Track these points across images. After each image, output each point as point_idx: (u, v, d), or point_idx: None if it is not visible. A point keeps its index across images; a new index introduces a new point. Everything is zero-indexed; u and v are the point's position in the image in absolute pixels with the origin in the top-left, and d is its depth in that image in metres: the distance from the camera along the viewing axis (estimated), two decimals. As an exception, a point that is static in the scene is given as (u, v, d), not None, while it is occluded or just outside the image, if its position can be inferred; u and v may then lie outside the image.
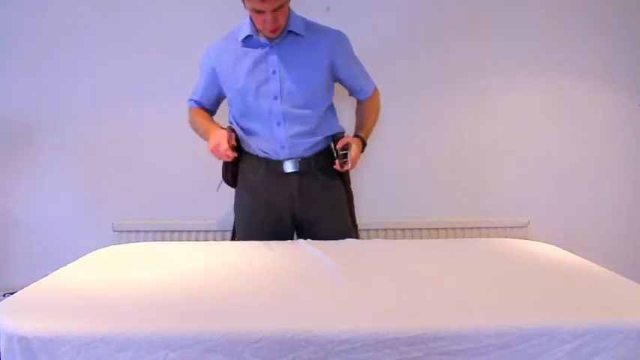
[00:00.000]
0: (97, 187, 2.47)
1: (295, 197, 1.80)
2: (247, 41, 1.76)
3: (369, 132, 1.88)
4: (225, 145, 1.67)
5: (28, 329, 0.99)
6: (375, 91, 1.94)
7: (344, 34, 1.83)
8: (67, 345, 0.98)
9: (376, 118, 1.93)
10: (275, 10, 1.62)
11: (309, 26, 1.79)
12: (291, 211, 1.82)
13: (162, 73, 2.43)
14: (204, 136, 1.81)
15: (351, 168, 1.75)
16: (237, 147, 1.80)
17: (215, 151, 1.69)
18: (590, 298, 1.19)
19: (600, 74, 2.56)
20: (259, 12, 1.62)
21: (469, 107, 2.55)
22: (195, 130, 1.91)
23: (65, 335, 0.98)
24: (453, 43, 2.51)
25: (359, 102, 1.95)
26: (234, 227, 1.93)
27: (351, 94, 1.95)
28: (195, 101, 1.92)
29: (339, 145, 1.74)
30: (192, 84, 2.39)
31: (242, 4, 1.66)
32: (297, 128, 1.77)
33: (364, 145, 1.83)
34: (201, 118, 1.88)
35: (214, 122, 1.87)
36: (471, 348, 1.00)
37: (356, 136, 1.83)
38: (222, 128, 1.78)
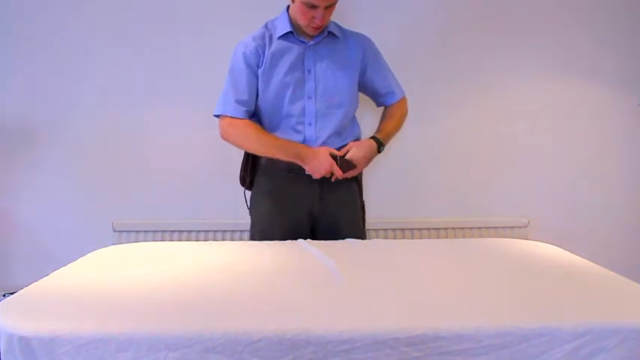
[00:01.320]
0: (97, 187, 2.47)
1: (316, 199, 1.81)
2: (285, 38, 1.76)
3: (387, 135, 1.87)
4: (336, 168, 1.70)
5: (28, 329, 0.99)
6: (403, 99, 1.94)
7: (370, 39, 1.87)
8: (67, 345, 0.98)
9: (398, 123, 1.92)
10: (327, 8, 1.65)
11: (341, 29, 1.83)
12: (309, 213, 1.82)
13: (163, 73, 2.43)
14: (292, 157, 1.73)
15: (344, 173, 1.75)
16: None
17: (323, 173, 1.71)
18: (590, 298, 1.19)
19: (600, 74, 2.56)
20: (312, 7, 1.64)
21: (469, 108, 2.55)
22: (264, 151, 1.78)
23: (65, 335, 0.98)
24: (452, 44, 2.51)
25: (385, 108, 1.95)
26: (252, 227, 1.90)
27: (377, 100, 1.94)
28: (243, 105, 1.75)
29: (342, 152, 1.76)
30: (193, 84, 2.40)
31: None
32: (326, 129, 1.78)
33: (381, 145, 1.82)
34: (269, 135, 1.77)
35: (287, 139, 1.78)
36: (471, 348, 1.00)
37: (372, 137, 1.83)
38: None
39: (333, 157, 1.76)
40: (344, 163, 1.75)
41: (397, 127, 1.92)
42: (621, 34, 2.55)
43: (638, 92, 2.57)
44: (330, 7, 1.67)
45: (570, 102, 2.57)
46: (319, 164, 1.71)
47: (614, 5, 2.54)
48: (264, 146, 1.77)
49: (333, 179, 1.76)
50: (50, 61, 2.41)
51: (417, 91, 2.45)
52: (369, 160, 1.80)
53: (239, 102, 1.75)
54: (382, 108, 1.98)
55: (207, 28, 2.41)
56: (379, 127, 1.91)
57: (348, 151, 1.77)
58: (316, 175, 1.73)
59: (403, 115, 1.94)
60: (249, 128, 1.76)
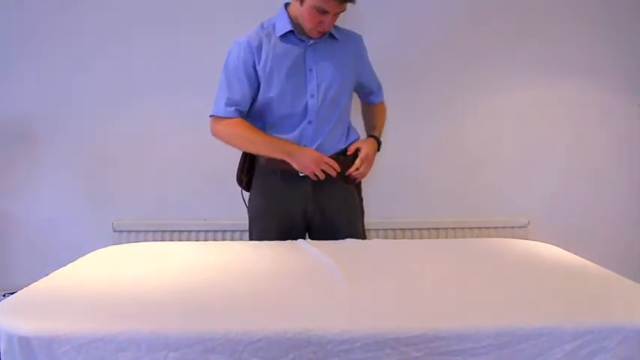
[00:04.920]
0: (97, 186, 2.47)
1: (309, 199, 1.80)
2: (285, 37, 1.76)
3: (381, 132, 1.95)
4: (332, 162, 1.73)
5: (28, 329, 0.99)
6: (382, 101, 2.03)
7: (361, 37, 1.91)
8: (67, 345, 0.98)
9: (385, 120, 2.00)
10: (336, 14, 1.67)
11: (338, 29, 1.85)
12: (304, 213, 1.83)
13: (163, 73, 2.42)
14: (279, 154, 1.74)
15: (361, 172, 1.79)
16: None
17: (319, 168, 1.72)
18: (590, 298, 1.19)
19: (600, 74, 2.56)
20: (323, 12, 1.64)
21: (469, 108, 2.55)
22: (252, 148, 1.80)
23: (65, 335, 0.98)
24: (452, 44, 2.51)
25: (369, 106, 2.02)
26: (250, 228, 1.91)
27: (364, 96, 2.01)
28: (235, 104, 1.75)
29: (351, 151, 1.80)
30: (193, 84, 2.40)
31: None
32: (325, 126, 1.79)
33: (379, 143, 1.89)
34: (257, 133, 1.76)
35: (276, 137, 1.78)
36: (471, 348, 1.00)
37: (370, 136, 1.90)
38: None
39: (336, 158, 1.77)
40: (345, 161, 1.77)
41: (384, 125, 2.00)
42: (621, 33, 2.55)
43: (638, 92, 2.57)
44: (338, 13, 1.69)
45: (570, 102, 2.57)
46: (307, 159, 1.71)
47: (615, 5, 2.54)
48: (252, 143, 1.78)
49: (322, 177, 1.73)
50: (50, 61, 2.40)
51: (417, 91, 2.47)
52: (374, 157, 1.83)
53: (229, 102, 1.75)
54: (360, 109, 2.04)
55: (208, 28, 2.41)
56: (372, 124, 1.96)
57: (357, 149, 1.80)
58: (306, 171, 1.72)
59: (385, 113, 2.03)
60: (237, 126, 1.76)
